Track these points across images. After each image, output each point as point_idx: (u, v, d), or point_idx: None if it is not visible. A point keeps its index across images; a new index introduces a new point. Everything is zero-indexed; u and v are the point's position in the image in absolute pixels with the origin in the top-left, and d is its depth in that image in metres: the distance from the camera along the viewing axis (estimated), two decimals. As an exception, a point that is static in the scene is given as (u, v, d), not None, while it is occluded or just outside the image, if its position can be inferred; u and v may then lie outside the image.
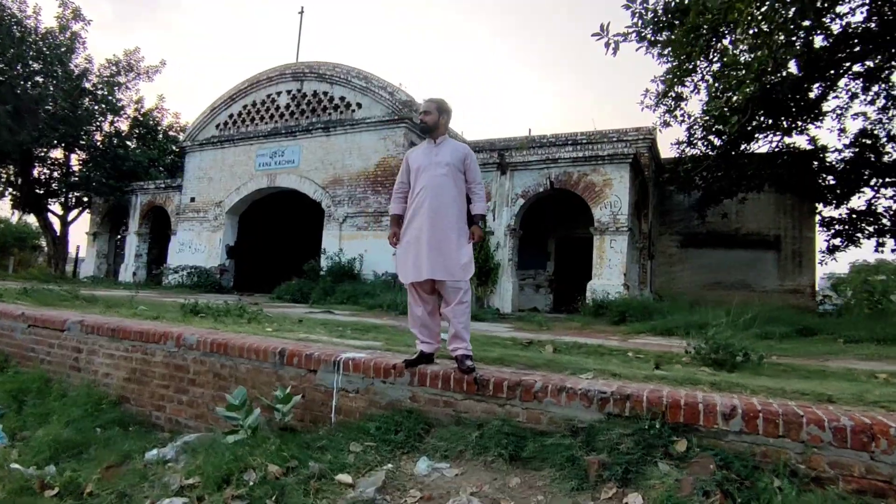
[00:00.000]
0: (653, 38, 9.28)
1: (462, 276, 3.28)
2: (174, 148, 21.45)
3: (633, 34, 7.62)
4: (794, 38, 7.42)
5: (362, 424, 3.24)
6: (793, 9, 6.44)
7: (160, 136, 21.78)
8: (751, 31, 7.28)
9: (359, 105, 13.86)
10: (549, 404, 2.87)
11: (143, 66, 19.45)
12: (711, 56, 9.83)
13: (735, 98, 7.90)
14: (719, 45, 9.44)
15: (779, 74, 7.97)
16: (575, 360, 3.63)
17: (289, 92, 14.98)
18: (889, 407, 2.56)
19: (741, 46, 8.14)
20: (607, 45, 7.12)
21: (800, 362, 4.43)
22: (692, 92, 11.44)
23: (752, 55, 7.33)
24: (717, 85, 10.02)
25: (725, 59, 8.06)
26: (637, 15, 7.38)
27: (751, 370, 3.81)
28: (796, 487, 2.20)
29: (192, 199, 16.41)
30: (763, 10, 6.81)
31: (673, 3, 7.63)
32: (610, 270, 11.01)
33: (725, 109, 8.27)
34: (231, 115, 15.93)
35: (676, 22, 8.62)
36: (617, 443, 2.54)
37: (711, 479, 2.22)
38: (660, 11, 7.63)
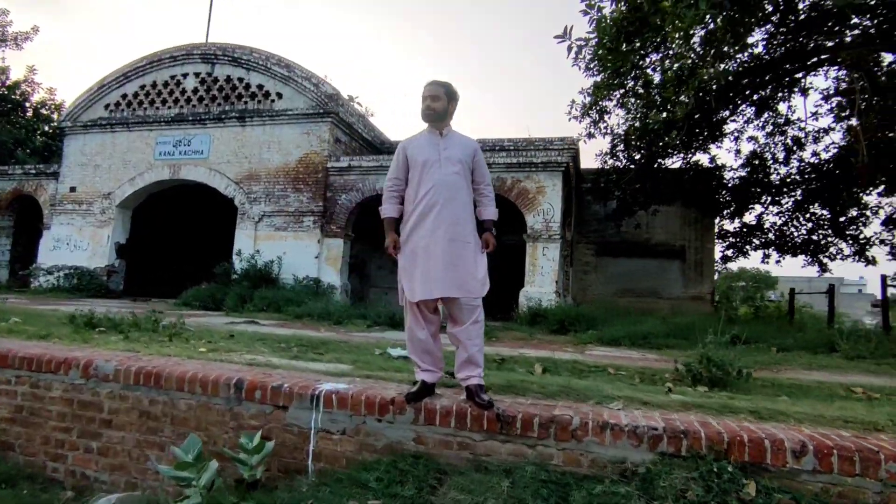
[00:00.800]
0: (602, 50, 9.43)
1: (480, 293, 2.81)
2: (47, 129, 18.42)
3: (594, 40, 7.57)
4: (727, 61, 7.81)
5: (356, 475, 2.63)
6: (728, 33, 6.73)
7: (29, 113, 18.60)
8: (688, 46, 7.53)
9: (279, 95, 12.72)
10: (590, 444, 2.47)
11: (9, 32, 16.44)
12: (639, 73, 10.23)
13: (676, 112, 8.17)
14: (651, 59, 9.83)
15: (711, 90, 8.37)
16: (585, 384, 3.28)
17: (197, 75, 13.39)
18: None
19: (675, 64, 8.45)
20: (570, 48, 7.00)
21: (768, 375, 4.49)
22: (616, 106, 11.90)
23: (691, 72, 7.60)
24: (652, 98, 10.44)
25: (665, 75, 8.32)
26: (595, 21, 7.33)
27: (742, 388, 3.73)
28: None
29: (73, 189, 14.08)
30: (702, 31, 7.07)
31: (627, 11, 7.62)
32: (542, 278, 11.04)
33: (664, 118, 8.54)
34: (125, 96, 13.90)
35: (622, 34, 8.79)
36: (682, 489, 2.20)
37: None
38: (612, 25, 7.66)
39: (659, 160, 12.31)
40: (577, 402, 2.86)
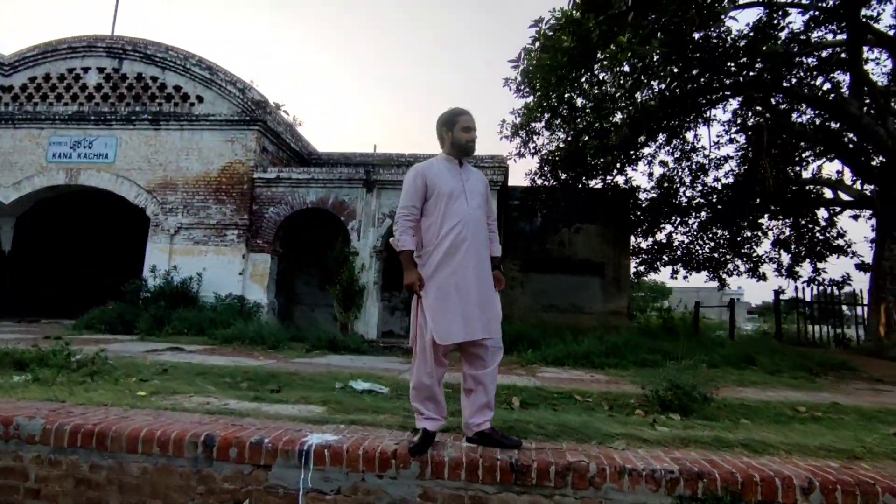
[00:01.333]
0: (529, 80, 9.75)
1: (500, 333, 2.68)
2: None
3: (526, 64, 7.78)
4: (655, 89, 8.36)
5: (358, 541, 2.36)
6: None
7: None
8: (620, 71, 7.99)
9: (199, 98, 11.77)
10: (609, 491, 2.41)
11: None
12: (566, 98, 10.70)
13: (612, 138, 8.63)
14: (580, 85, 10.33)
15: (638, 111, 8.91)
16: (579, 420, 3.24)
17: (101, 70, 12.02)
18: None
19: (600, 89, 8.93)
20: (514, 80, 7.16)
21: (714, 395, 4.75)
22: (544, 128, 12.38)
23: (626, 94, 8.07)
24: (575, 124, 10.95)
25: (596, 93, 8.74)
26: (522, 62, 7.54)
27: (706, 412, 3.90)
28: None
29: (-62, 193, 12.00)
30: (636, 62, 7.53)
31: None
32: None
33: (596, 143, 8.98)
34: (10, 87, 12.14)
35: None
36: (708, 536, 2.20)
37: None
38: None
39: (583, 180, 12.94)
40: (581, 444, 2.80)
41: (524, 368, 6.64)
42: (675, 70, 7.79)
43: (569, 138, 11.78)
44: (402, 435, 2.84)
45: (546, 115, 11.59)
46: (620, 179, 13.90)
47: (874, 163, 10.32)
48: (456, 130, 2.75)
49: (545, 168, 13.07)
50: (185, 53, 11.83)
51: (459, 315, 2.52)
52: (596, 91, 10.50)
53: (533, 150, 13.12)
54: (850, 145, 10.85)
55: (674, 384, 4.02)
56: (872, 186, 9.92)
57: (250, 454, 2.64)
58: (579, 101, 11.08)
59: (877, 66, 11.14)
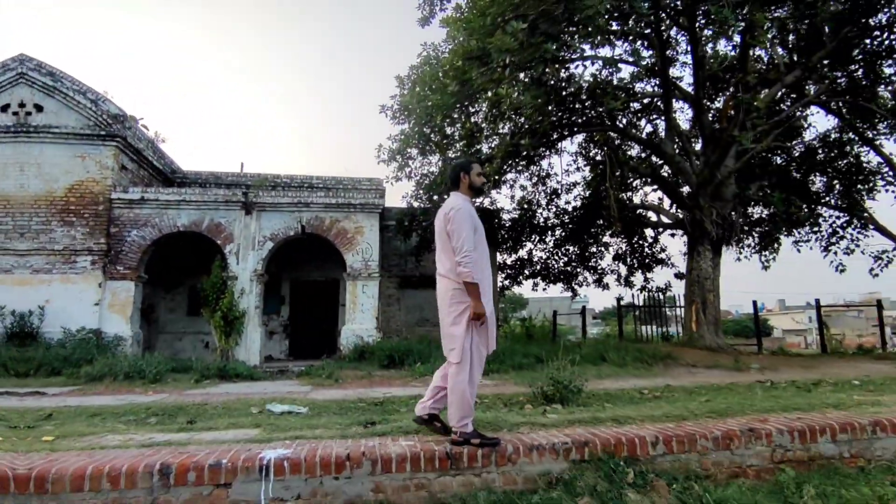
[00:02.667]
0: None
1: None
2: None
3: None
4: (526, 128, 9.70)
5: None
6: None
7: None
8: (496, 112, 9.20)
9: (39, 108, 10.54)
10: (523, 464, 3.12)
11: None
12: (443, 126, 11.77)
13: (491, 164, 9.78)
14: (461, 118, 11.45)
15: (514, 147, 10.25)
16: (489, 416, 3.93)
17: None
18: (724, 413, 3.87)
19: (484, 124, 10.14)
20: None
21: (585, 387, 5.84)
22: (419, 154, 13.32)
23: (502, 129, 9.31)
24: (445, 153, 12.07)
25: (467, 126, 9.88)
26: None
27: (580, 401, 4.88)
28: (702, 484, 3.14)
29: None
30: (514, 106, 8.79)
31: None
32: (363, 315, 11.44)
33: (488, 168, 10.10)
34: None
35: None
36: (593, 485, 3.02)
37: (672, 497, 2.95)
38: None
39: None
40: (496, 432, 3.50)
41: (418, 380, 7.24)
42: (537, 110, 9.16)
43: (441, 164, 12.85)
44: (346, 443, 3.27)
45: (421, 143, 12.53)
46: (486, 202, 15.37)
47: (684, 192, 13.00)
48: (472, 175, 3.35)
49: (420, 191, 13.98)
50: (22, 57, 10.53)
51: (493, 332, 3.25)
52: (467, 124, 11.71)
53: (408, 174, 13.96)
54: (668, 177, 13.50)
55: (555, 381, 4.96)
56: (684, 212, 12.48)
57: (210, 475, 2.86)
58: (449, 130, 12.23)
59: (682, 114, 14.08)
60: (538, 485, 3.07)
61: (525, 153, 12.89)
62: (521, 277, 17.31)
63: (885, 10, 9.73)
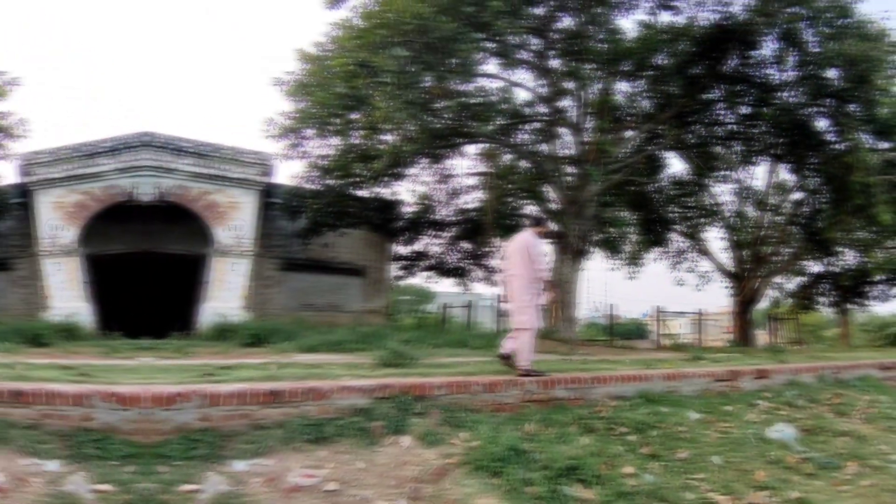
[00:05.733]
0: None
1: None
2: None
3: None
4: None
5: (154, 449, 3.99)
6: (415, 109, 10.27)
7: None
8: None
9: None
10: (335, 399, 4.60)
11: None
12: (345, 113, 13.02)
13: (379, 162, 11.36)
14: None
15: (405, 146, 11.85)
16: (321, 371, 5.35)
17: None
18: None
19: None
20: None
21: (427, 361, 7.43)
22: (316, 135, 14.42)
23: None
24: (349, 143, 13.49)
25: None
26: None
27: (414, 367, 6.45)
28: (468, 414, 4.77)
29: None
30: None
31: None
32: (229, 293, 12.36)
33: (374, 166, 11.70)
34: None
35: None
36: (387, 413, 4.55)
37: (440, 419, 4.57)
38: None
39: (350, 189, 15.35)
40: (322, 381, 4.93)
41: (281, 355, 8.48)
42: (417, 123, 10.84)
43: (341, 147, 14.13)
44: (180, 385, 4.52)
45: (317, 124, 13.65)
46: (386, 191, 16.86)
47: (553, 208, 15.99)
48: (545, 227, 6.22)
49: (313, 172, 15.08)
50: None
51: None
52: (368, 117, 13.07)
53: (301, 154, 15.00)
54: (543, 193, 16.57)
55: (395, 351, 6.52)
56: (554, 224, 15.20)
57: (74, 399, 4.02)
58: (352, 115, 13.47)
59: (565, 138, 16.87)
60: (346, 414, 4.54)
61: (407, 159, 14.39)
62: (415, 269, 18.97)
63: (714, 90, 14.78)
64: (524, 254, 6.04)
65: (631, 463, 4.19)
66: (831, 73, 13.23)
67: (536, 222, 6.77)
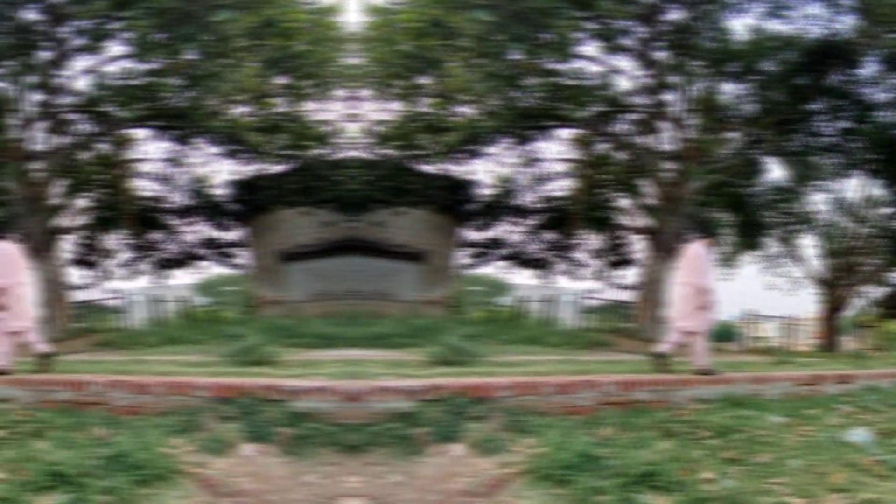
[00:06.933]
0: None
1: None
2: None
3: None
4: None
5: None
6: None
7: None
8: None
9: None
10: (370, 402, 4.04)
11: None
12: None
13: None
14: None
15: None
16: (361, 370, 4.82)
17: None
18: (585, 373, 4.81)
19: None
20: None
21: (494, 359, 6.76)
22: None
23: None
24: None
25: None
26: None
27: (477, 365, 5.83)
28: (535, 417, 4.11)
29: None
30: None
31: None
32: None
33: None
34: None
35: None
36: (437, 419, 3.96)
37: (502, 423, 4.01)
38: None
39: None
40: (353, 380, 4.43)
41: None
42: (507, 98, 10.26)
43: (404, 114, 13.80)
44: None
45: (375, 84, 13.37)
46: (459, 169, 16.25)
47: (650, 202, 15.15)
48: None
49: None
50: None
51: None
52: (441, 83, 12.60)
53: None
54: (639, 187, 15.63)
55: (452, 347, 5.94)
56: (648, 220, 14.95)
57: None
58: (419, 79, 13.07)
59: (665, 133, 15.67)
60: (381, 418, 3.99)
61: (487, 136, 13.76)
62: (489, 258, 18.26)
63: (816, 102, 15.19)
64: (694, 264, 6.48)
65: (710, 468, 3.82)
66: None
67: (706, 234, 7.02)
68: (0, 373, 4.93)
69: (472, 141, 13.06)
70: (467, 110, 12.59)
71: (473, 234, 17.91)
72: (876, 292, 22.41)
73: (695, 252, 6.54)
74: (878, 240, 19.58)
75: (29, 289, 5.68)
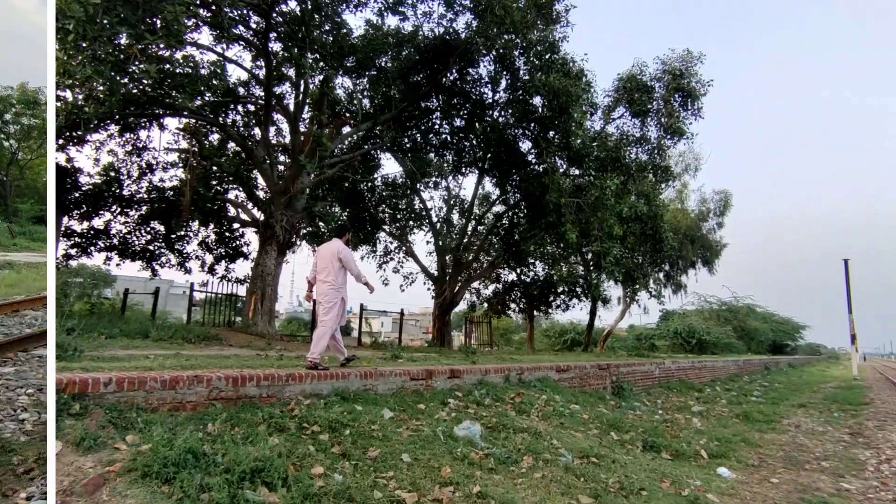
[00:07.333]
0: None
1: None
2: None
3: None
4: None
5: None
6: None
7: None
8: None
9: None
10: None
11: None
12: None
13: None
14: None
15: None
16: None
17: None
18: (193, 367, 5.12)
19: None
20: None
21: (96, 354, 6.47)
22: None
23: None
24: None
25: None
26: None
27: (77, 360, 5.54)
28: (141, 413, 4.33)
29: None
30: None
31: None
32: None
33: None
34: None
35: None
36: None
37: (104, 420, 4.07)
38: None
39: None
40: None
41: None
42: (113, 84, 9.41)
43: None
44: None
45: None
46: (62, 158, 14.32)
47: (261, 196, 16.08)
48: (349, 236, 5.98)
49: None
50: None
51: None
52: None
53: None
54: (252, 179, 16.39)
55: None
56: (260, 213, 15.38)
57: None
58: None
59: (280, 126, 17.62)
60: None
61: (90, 122, 12.46)
62: (92, 249, 16.43)
63: (433, 100, 16.65)
64: (335, 261, 7.02)
65: (321, 463, 4.23)
66: (537, 101, 15.86)
67: (342, 231, 7.55)
68: None
69: (73, 127, 11.55)
70: (69, 94, 11.14)
71: (75, 225, 16.01)
72: (486, 289, 25.01)
73: (334, 249, 7.11)
74: (490, 237, 21.03)
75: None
